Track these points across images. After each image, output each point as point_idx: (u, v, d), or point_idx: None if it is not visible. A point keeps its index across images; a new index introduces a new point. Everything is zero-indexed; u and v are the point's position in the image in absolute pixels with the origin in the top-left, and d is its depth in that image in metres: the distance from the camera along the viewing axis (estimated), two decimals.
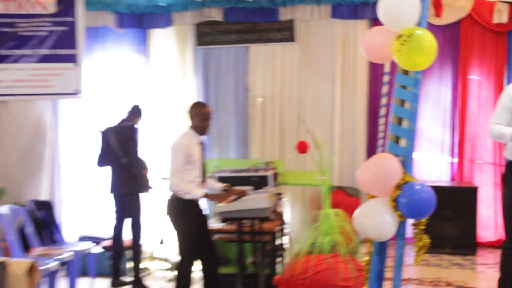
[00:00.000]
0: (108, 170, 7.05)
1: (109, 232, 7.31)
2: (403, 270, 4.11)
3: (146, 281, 6.89)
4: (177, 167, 5.33)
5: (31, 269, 4.98)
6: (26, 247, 6.31)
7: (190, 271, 5.58)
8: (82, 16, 7.38)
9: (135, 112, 6.98)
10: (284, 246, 6.86)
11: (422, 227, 3.96)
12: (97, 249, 7.24)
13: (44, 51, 7.40)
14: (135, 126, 6.97)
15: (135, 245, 6.98)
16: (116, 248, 7.06)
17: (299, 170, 7.52)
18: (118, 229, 7.09)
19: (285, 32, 7.72)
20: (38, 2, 7.28)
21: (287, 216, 7.47)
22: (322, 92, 7.82)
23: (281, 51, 7.83)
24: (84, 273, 6.70)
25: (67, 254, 6.29)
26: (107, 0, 7.61)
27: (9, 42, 7.35)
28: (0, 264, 4.84)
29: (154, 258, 7.76)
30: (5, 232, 6.29)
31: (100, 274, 6.93)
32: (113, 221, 7.15)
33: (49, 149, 7.83)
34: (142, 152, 7.17)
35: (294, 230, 7.69)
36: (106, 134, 6.96)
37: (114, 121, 7.03)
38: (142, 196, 7.04)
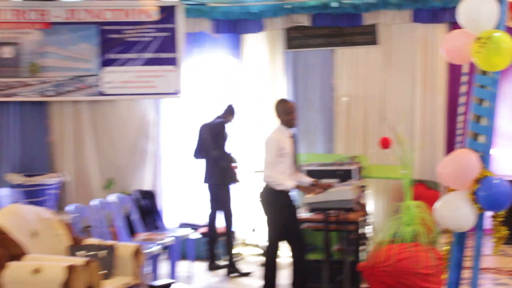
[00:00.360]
0: (202, 162, 7.26)
1: (205, 219, 7.49)
2: (481, 259, 4.09)
3: (239, 265, 7.06)
4: (270, 160, 5.44)
5: (137, 252, 5.21)
6: (132, 232, 6.62)
7: (276, 256, 5.68)
8: (182, 23, 7.68)
9: (229, 111, 7.14)
10: (368, 235, 6.85)
11: (500, 219, 3.98)
12: (195, 235, 7.43)
13: (148, 55, 7.75)
14: (226, 123, 7.11)
15: (228, 232, 7.16)
16: (211, 235, 7.26)
17: (382, 164, 7.47)
18: (212, 217, 7.28)
19: (368, 36, 7.76)
20: (143, 10, 7.63)
21: (370, 207, 7.45)
22: (403, 92, 7.80)
23: (364, 53, 7.85)
24: (184, 256, 6.94)
25: (168, 239, 6.53)
26: (204, 8, 7.81)
27: (117, 47, 7.73)
28: (109, 247, 5.14)
29: (247, 244, 7.89)
30: (113, 218, 6.63)
31: (198, 258, 7.15)
32: (208, 210, 7.33)
33: (152, 144, 8.11)
34: (234, 147, 7.33)
35: (377, 220, 7.67)
36: (201, 129, 7.18)
37: (209, 118, 7.24)
38: (232, 187, 7.18)
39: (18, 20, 7.73)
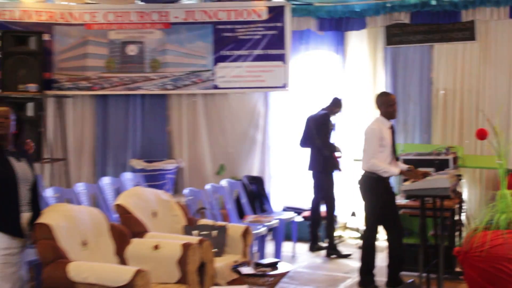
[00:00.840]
0: (307, 151, 7.66)
1: (309, 204, 7.86)
2: None
3: (339, 247, 7.43)
4: (373, 150, 5.65)
5: (245, 233, 5.51)
6: (241, 214, 7.05)
7: (374, 240, 5.92)
8: (289, 22, 8.17)
9: (335, 104, 7.51)
10: (462, 222, 7.06)
11: None
12: (298, 218, 7.83)
13: (257, 52, 8.26)
14: (331, 115, 7.47)
15: (330, 216, 7.48)
16: (314, 218, 7.64)
17: (477, 154, 7.65)
18: (315, 202, 7.64)
19: (466, 32, 7.92)
20: (254, 10, 8.19)
21: (465, 195, 7.65)
22: (499, 86, 7.90)
23: (462, 49, 8.00)
24: (287, 238, 7.30)
25: (274, 222, 6.88)
26: (310, 7, 8.26)
27: (229, 45, 8.30)
28: (222, 227, 5.46)
29: (347, 228, 8.25)
30: (224, 201, 7.07)
31: (300, 239, 7.58)
32: (311, 195, 7.71)
33: (260, 134, 8.59)
34: (337, 138, 7.71)
35: (472, 208, 7.86)
36: (307, 120, 7.59)
37: (314, 110, 7.65)
38: (335, 175, 7.53)
39: (142, 21, 8.40)
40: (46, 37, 8.27)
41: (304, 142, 7.69)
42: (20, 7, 8.37)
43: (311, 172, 7.62)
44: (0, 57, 7.98)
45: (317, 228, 7.68)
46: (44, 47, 8.14)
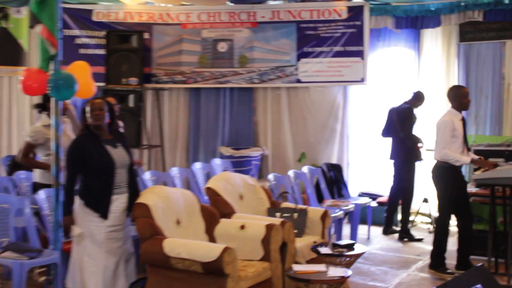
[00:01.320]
0: (388, 141, 7.85)
1: (383, 191, 8.21)
2: None
3: (412, 232, 7.60)
4: (445, 140, 5.75)
5: (324, 216, 5.65)
6: (320, 199, 7.32)
7: (447, 225, 6.04)
8: (367, 20, 8.46)
9: (417, 97, 7.68)
10: None
11: None
12: (373, 204, 8.11)
13: (337, 48, 8.58)
14: (413, 108, 7.65)
15: (406, 204, 7.67)
16: (390, 204, 7.87)
17: None
18: (394, 190, 7.80)
19: None
20: (334, 10, 8.54)
21: None
22: None
23: None
24: (363, 221, 7.51)
25: (350, 206, 7.15)
26: (387, 7, 8.48)
27: (311, 42, 8.67)
28: (302, 210, 5.64)
29: (419, 213, 8.36)
30: (305, 186, 7.37)
31: (374, 223, 7.78)
32: (390, 183, 7.93)
33: (339, 124, 8.86)
34: (418, 129, 7.85)
35: None
36: (390, 112, 7.82)
37: (396, 102, 7.88)
38: (416, 165, 7.69)
39: (232, 20, 8.88)
40: (146, 35, 8.81)
41: (387, 132, 7.84)
42: (123, 9, 8.99)
43: (392, 161, 7.77)
44: (105, 54, 8.65)
45: (393, 214, 7.86)
46: (144, 44, 8.71)
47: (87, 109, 4.81)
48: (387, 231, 7.83)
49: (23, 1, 8.74)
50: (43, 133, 5.84)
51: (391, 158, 7.80)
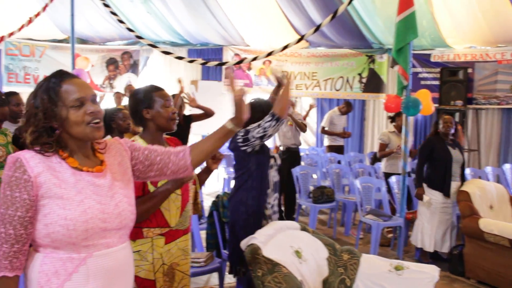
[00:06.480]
0: None
1: None
2: None
3: None
4: None
5: None
6: None
7: None
8: None
9: None
10: None
11: None
12: None
13: None
14: None
15: None
16: None
17: None
18: None
19: None
20: None
21: None
22: None
23: None
24: None
25: None
26: None
27: None
28: None
29: None
30: None
31: None
32: None
33: None
34: None
35: None
36: None
37: None
38: None
39: None
40: (469, 70, 9.83)
41: None
42: (453, 52, 10.38)
43: None
44: (439, 84, 10.11)
45: None
46: (468, 77, 9.70)
47: (441, 121, 5.68)
48: None
49: (384, 50, 11.51)
50: (388, 136, 6.95)
51: None
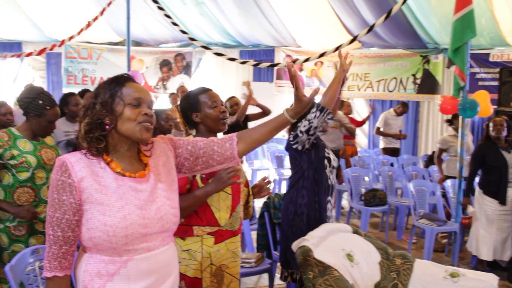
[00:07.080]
0: None
1: None
2: None
3: None
4: None
5: None
6: None
7: None
8: None
9: None
10: None
11: None
12: None
13: None
14: None
15: None
16: None
17: None
18: None
19: None
20: None
21: None
22: None
23: None
24: None
25: None
26: None
27: None
28: None
29: None
30: None
31: None
32: None
33: None
34: None
35: None
36: None
37: None
38: None
39: None
40: None
41: None
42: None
43: None
44: (498, 85, 9.52)
45: None
46: None
47: (491, 124, 5.48)
48: None
49: (439, 50, 11.44)
50: (447, 140, 6.86)
51: None
